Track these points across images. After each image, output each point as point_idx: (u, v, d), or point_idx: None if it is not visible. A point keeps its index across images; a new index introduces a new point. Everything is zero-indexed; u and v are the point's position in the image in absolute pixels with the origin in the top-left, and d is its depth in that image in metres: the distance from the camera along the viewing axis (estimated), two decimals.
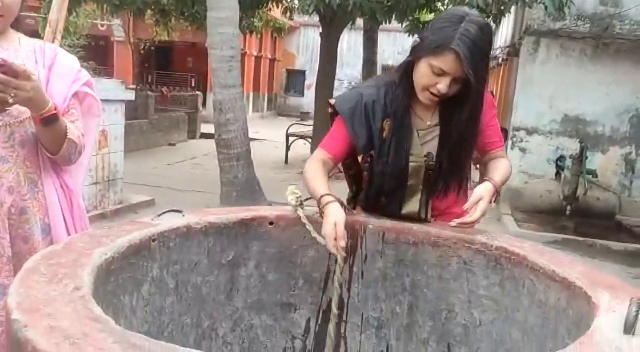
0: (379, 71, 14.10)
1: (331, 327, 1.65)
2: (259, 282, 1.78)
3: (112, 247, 1.34)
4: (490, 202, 1.66)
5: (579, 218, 7.21)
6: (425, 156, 1.75)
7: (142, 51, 17.33)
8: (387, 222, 1.76)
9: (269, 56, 23.22)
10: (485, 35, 1.54)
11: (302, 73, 24.63)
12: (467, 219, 1.63)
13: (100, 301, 1.09)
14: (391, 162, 1.71)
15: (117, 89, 5.97)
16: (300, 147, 11.12)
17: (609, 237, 6.64)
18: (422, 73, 1.60)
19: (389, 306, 1.77)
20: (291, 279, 1.81)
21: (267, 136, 14.11)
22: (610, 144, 7.70)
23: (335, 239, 1.55)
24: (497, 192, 1.71)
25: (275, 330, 1.82)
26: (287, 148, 10.62)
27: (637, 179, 7.76)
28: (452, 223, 1.65)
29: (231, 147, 6.19)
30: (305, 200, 1.83)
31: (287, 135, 10.68)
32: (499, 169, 1.79)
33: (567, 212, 7.02)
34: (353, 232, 1.76)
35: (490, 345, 1.55)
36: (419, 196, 1.81)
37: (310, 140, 10.44)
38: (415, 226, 1.73)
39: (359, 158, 1.76)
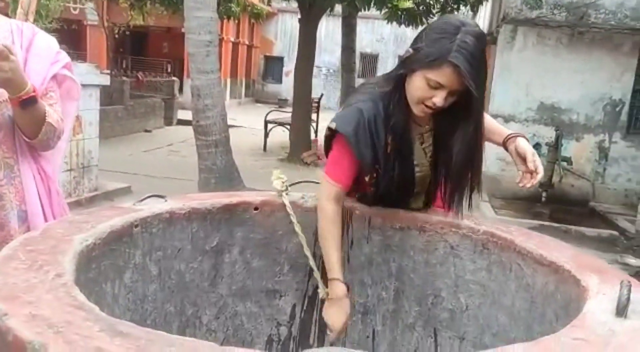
0: (357, 59, 14.05)
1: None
2: (243, 268, 1.75)
3: (93, 234, 1.30)
4: None
5: (554, 205, 7.30)
6: (430, 157, 1.72)
7: (116, 36, 16.96)
8: (373, 208, 1.74)
9: (247, 42, 22.97)
10: (482, 45, 1.48)
11: (280, 60, 24.44)
12: (537, 177, 1.58)
13: (81, 288, 1.05)
14: (397, 176, 1.65)
15: (91, 74, 5.82)
16: (279, 134, 11.06)
17: (583, 224, 6.76)
18: (417, 86, 1.51)
19: (375, 291, 1.76)
20: (276, 265, 1.78)
21: (245, 123, 14.00)
22: (585, 131, 7.81)
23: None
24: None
25: (260, 317, 1.79)
26: (266, 135, 10.55)
27: (609, 167, 7.89)
28: (521, 184, 1.61)
29: (209, 134, 6.11)
30: (291, 185, 1.80)
31: (266, 122, 10.60)
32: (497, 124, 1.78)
33: (543, 199, 7.11)
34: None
35: (476, 329, 1.56)
36: (422, 197, 1.79)
37: (289, 127, 10.39)
38: (402, 211, 1.72)
39: (366, 178, 1.70)
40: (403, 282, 1.72)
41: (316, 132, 11.50)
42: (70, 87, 1.75)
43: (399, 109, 1.60)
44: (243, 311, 1.77)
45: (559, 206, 7.36)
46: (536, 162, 1.60)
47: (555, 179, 7.09)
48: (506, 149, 1.72)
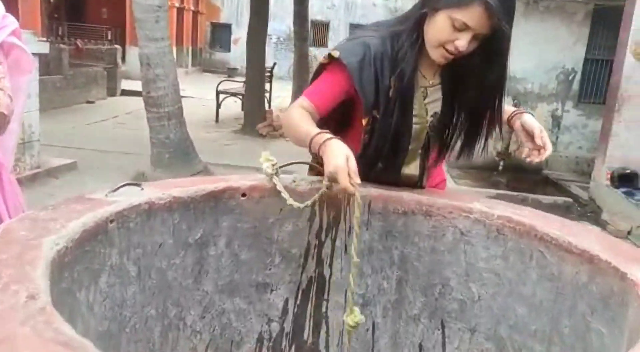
0: (309, 26, 13.72)
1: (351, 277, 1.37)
2: (230, 262, 1.57)
3: (64, 235, 1.09)
4: None
5: (510, 173, 7.40)
6: (431, 116, 1.59)
7: (51, 0, 15.90)
8: (373, 190, 1.59)
9: (192, 8, 22.08)
10: None
11: (228, 27, 23.66)
12: (546, 153, 1.52)
13: (54, 302, 0.86)
14: (395, 124, 1.52)
15: (28, 41, 5.35)
16: (231, 105, 10.73)
17: (537, 191, 6.88)
18: (440, 27, 1.39)
19: (376, 281, 1.62)
20: (267, 256, 1.61)
21: (195, 94, 13.51)
22: (539, 100, 7.90)
23: (349, 176, 1.34)
24: None
25: (249, 314, 1.63)
26: (218, 106, 10.18)
27: (562, 135, 8.05)
28: (529, 159, 1.54)
29: (161, 106, 5.78)
30: (281, 167, 1.62)
31: (217, 93, 10.22)
32: None
33: (500, 168, 7.18)
34: (335, 202, 1.58)
35: (490, 320, 1.45)
36: (418, 161, 1.65)
37: (241, 97, 10.06)
38: (405, 194, 1.57)
39: (364, 120, 1.55)
40: (406, 271, 1.58)
41: (269, 102, 11.22)
42: (19, 58, 1.49)
43: (411, 52, 1.47)
44: (231, 308, 1.60)
45: (514, 174, 7.46)
46: (544, 138, 1.55)
47: (512, 148, 7.15)
48: (511, 126, 1.62)
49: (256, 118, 9.15)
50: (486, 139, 1.61)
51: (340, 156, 1.33)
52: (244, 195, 1.55)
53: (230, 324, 1.61)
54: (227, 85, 10.79)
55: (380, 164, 1.61)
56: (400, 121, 1.52)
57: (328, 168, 1.36)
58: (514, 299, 1.39)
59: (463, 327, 1.51)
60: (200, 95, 13.24)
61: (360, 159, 1.62)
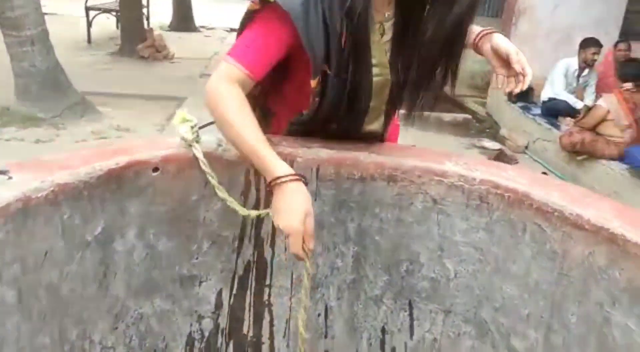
0: None
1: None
2: (145, 256, 1.21)
3: None
4: None
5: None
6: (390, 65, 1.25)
7: None
8: (323, 152, 1.27)
9: None
10: None
11: None
12: (526, 80, 1.21)
13: None
14: (351, 80, 1.18)
15: None
16: (105, 23, 9.57)
17: (436, 109, 6.89)
18: None
19: (328, 260, 1.34)
20: (192, 243, 1.26)
21: (58, 9, 11.88)
22: None
23: (303, 239, 1.07)
24: None
25: (174, 314, 1.30)
26: (89, 25, 9.00)
27: None
28: (508, 89, 1.23)
29: (21, 28, 4.87)
30: (201, 127, 1.24)
31: (87, 9, 9.00)
32: None
33: None
34: None
35: (470, 301, 1.23)
36: (382, 118, 1.34)
37: (115, 14, 8.97)
38: (362, 155, 1.27)
39: (312, 82, 1.18)
40: (365, 247, 1.32)
41: (148, 19, 10.16)
42: None
43: None
44: (150, 312, 1.26)
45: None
46: (522, 62, 1.24)
47: None
48: (478, 50, 1.33)
49: (135, 38, 8.20)
50: (453, 79, 1.31)
51: (297, 215, 1.06)
52: (156, 170, 1.17)
53: (152, 330, 1.27)
54: (97, 0, 9.53)
55: (335, 125, 1.29)
56: (358, 76, 1.18)
57: (279, 223, 1.08)
58: (500, 278, 1.18)
59: (436, 308, 1.29)
60: (66, 12, 11.70)
61: (309, 122, 1.29)
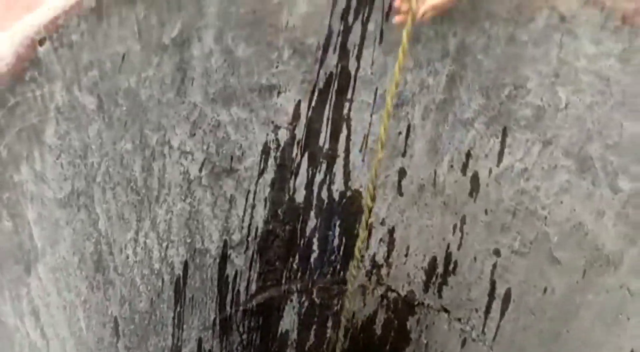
0: None
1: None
2: (223, 61, 1.10)
3: None
4: None
5: None
6: None
7: None
8: None
9: None
10: None
11: None
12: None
13: None
14: None
15: None
16: None
17: None
18: None
19: (418, 77, 1.21)
20: (272, 51, 1.14)
21: None
22: None
23: None
24: None
25: (251, 123, 1.23)
26: None
27: None
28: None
29: None
30: None
31: None
32: None
33: None
34: None
35: (578, 135, 1.12)
36: None
37: None
38: None
39: None
40: (464, 65, 1.17)
41: None
42: None
43: None
44: (227, 120, 1.19)
45: None
46: None
47: None
48: None
49: None
50: None
51: None
52: None
53: (228, 138, 1.22)
54: None
55: None
56: None
57: None
58: (624, 114, 1.04)
59: (534, 138, 1.18)
60: None
61: None
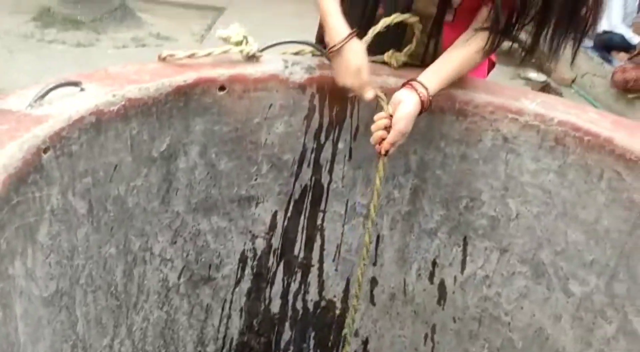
0: None
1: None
2: (206, 174, 1.21)
3: None
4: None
5: None
6: None
7: None
8: (391, 80, 1.22)
9: None
10: None
11: None
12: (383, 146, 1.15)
13: None
14: None
15: None
16: None
17: None
18: None
19: (385, 190, 1.33)
20: (252, 165, 1.25)
21: None
22: None
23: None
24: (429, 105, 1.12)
25: (230, 232, 1.31)
26: None
27: None
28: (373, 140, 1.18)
29: None
30: (265, 49, 1.20)
31: None
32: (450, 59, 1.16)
33: None
34: (338, 93, 1.21)
35: (529, 242, 1.22)
36: (424, 35, 1.23)
37: None
38: None
39: None
40: (425, 180, 1.29)
41: None
42: None
43: None
44: (207, 229, 1.27)
45: None
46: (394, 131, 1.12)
47: None
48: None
49: None
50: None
51: (350, 71, 1.13)
52: (222, 88, 1.14)
53: (207, 246, 1.30)
54: None
55: None
56: None
57: (338, 82, 1.17)
58: (566, 223, 1.15)
59: (491, 246, 1.28)
60: None
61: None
